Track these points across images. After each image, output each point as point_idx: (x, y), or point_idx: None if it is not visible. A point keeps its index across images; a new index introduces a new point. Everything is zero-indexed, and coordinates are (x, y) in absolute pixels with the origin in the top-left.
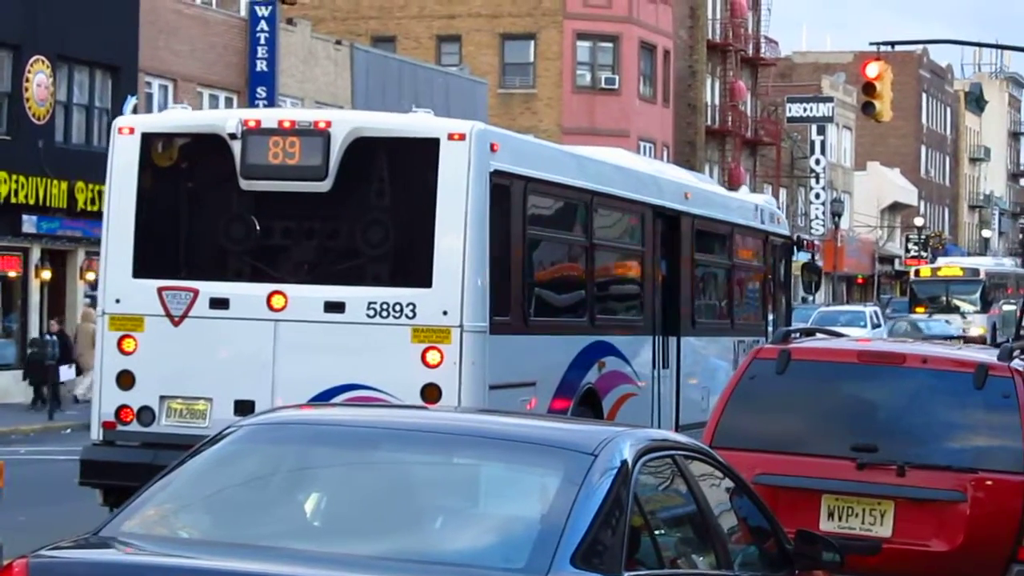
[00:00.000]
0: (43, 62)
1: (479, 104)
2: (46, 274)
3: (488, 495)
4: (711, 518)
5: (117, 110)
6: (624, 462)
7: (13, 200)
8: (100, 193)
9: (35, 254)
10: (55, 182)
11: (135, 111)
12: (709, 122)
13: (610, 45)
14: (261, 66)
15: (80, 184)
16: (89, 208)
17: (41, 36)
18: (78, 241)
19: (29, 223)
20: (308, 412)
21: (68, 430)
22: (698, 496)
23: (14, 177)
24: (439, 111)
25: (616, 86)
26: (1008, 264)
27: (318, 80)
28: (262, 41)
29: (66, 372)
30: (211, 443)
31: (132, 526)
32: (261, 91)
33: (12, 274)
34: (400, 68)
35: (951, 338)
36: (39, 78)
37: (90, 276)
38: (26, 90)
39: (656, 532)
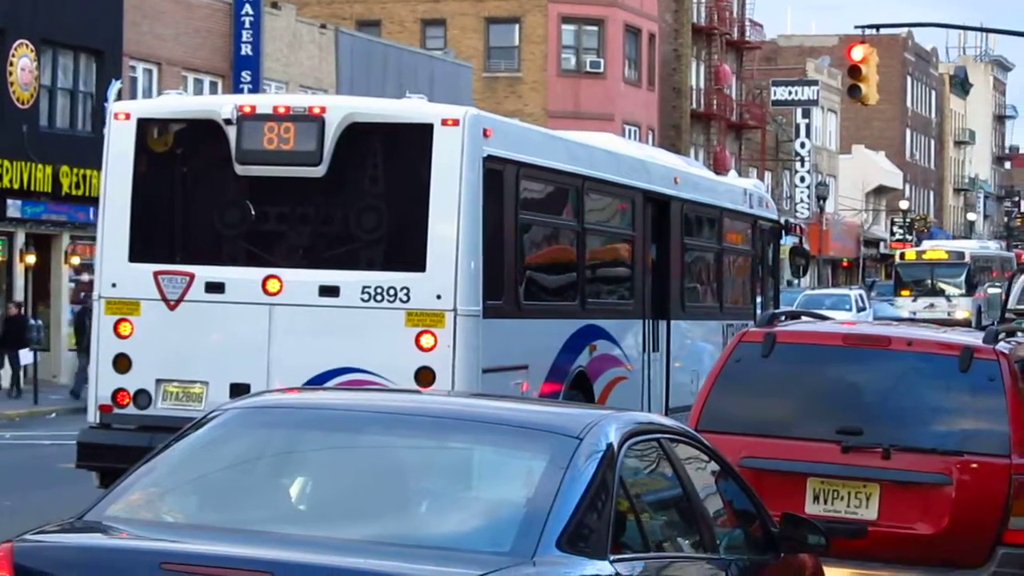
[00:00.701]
0: (27, 46)
1: (464, 88)
2: (31, 258)
3: (474, 478)
4: (697, 501)
5: (101, 94)
6: (610, 445)
7: None
8: (85, 177)
9: (20, 239)
10: (39, 166)
11: (119, 96)
12: (694, 105)
13: (595, 28)
14: (246, 50)
15: (64, 168)
16: (73, 192)
17: (25, 20)
18: (63, 225)
19: (13, 207)
20: (293, 396)
21: (53, 415)
22: (684, 479)
23: None
24: (424, 95)
25: (601, 69)
26: (993, 247)
27: (303, 64)
28: (247, 25)
29: (25, 356)
30: (196, 427)
31: (117, 510)
32: (246, 75)
33: None
34: (385, 52)
35: (900, 320)
36: (23, 62)
37: (75, 260)
38: (10, 74)
39: (642, 515)
